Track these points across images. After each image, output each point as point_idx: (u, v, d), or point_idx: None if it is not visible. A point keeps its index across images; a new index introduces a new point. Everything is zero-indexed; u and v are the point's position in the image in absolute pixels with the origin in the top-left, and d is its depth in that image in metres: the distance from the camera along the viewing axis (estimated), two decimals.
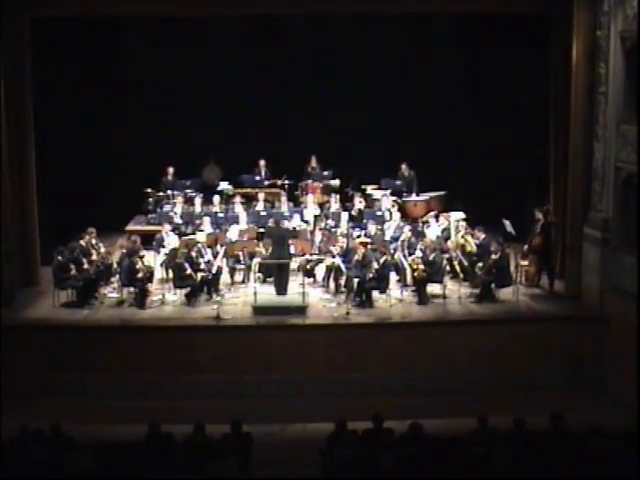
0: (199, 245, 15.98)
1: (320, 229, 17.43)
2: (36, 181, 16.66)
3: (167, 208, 18.64)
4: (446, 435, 10.52)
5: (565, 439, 9.87)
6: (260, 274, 16.46)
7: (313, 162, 19.97)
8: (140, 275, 15.40)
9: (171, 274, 15.99)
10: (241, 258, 16.45)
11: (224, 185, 19.66)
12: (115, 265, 16.08)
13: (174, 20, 18.95)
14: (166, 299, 15.78)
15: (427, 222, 17.68)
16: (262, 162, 19.77)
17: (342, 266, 15.64)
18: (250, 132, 20.31)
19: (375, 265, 15.18)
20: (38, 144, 16.77)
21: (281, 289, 15.67)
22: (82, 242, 16.13)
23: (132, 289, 15.69)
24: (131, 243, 16.08)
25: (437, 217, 17.71)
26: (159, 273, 16.58)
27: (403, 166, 19.52)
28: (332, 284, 16.13)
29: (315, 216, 18.34)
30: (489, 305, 15.57)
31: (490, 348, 14.72)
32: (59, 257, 15.36)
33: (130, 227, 18.64)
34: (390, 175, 19.52)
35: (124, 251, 15.93)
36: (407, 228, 16.96)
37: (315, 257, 16.39)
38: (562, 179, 16.49)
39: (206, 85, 20.34)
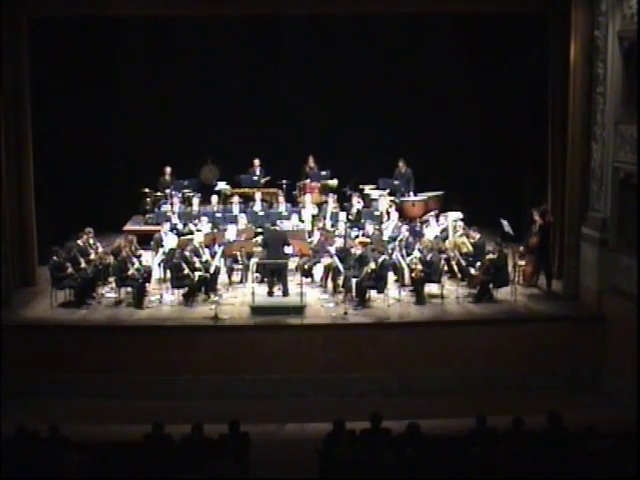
0: (194, 244, 15.97)
1: (318, 229, 17.43)
2: (34, 181, 16.65)
3: (165, 208, 18.64)
4: (444, 435, 10.54)
5: (563, 439, 9.87)
6: (258, 274, 16.47)
7: (311, 162, 19.96)
8: (130, 273, 15.37)
9: (169, 274, 15.97)
10: (239, 258, 16.45)
11: (222, 185, 19.67)
12: (112, 265, 16.06)
13: (174, 20, 18.95)
14: (164, 299, 15.78)
15: (427, 222, 17.70)
16: (257, 161, 19.77)
17: (340, 266, 15.64)
18: (248, 132, 20.30)
19: (372, 265, 15.18)
20: (36, 144, 16.76)
21: (273, 291, 15.69)
22: (79, 242, 16.13)
23: (130, 289, 15.68)
24: (127, 242, 16.09)
25: (437, 217, 17.72)
26: (157, 273, 16.57)
27: (400, 163, 19.53)
28: (330, 284, 16.13)
29: (313, 216, 18.35)
30: (487, 305, 15.58)
31: (488, 348, 14.73)
32: (55, 257, 15.36)
33: (128, 227, 18.66)
34: (388, 175, 19.52)
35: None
36: (405, 228, 16.96)
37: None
38: (560, 179, 16.51)
39: (204, 85, 20.34)
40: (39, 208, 16.81)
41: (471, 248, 16.25)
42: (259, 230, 17.48)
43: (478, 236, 16.36)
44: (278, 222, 17.40)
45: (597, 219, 15.29)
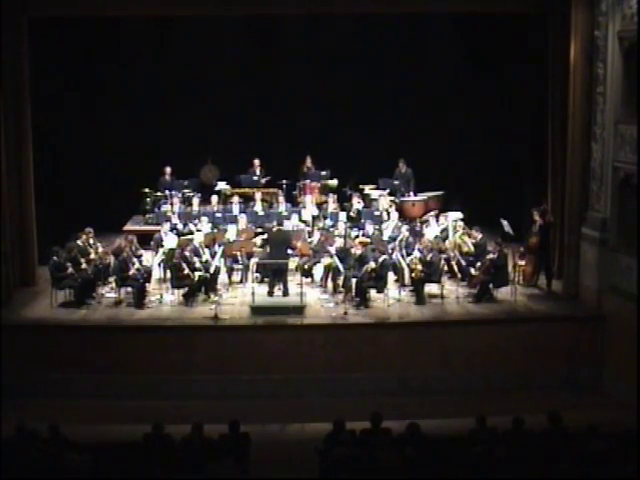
0: (195, 244, 15.97)
1: (318, 229, 17.42)
2: (34, 181, 16.65)
3: (165, 208, 18.64)
4: (444, 435, 10.53)
5: (563, 439, 9.88)
6: (258, 274, 16.47)
7: (308, 162, 19.95)
8: (131, 273, 15.37)
9: (169, 274, 15.97)
10: (239, 258, 16.45)
11: (222, 185, 19.67)
12: (112, 265, 16.08)
13: (174, 20, 18.95)
14: (164, 299, 15.78)
15: (427, 221, 17.71)
16: (257, 161, 19.77)
17: (340, 266, 15.64)
18: (248, 132, 20.31)
19: (372, 265, 15.19)
20: (36, 144, 16.76)
21: (273, 291, 15.69)
22: (79, 242, 16.13)
23: (130, 289, 15.68)
24: (127, 242, 16.12)
25: (437, 217, 17.72)
26: (157, 273, 16.57)
27: (400, 163, 19.54)
28: (330, 284, 16.13)
29: (313, 216, 18.34)
30: (487, 305, 15.58)
31: (488, 348, 14.73)
32: (55, 257, 15.36)
33: (128, 227, 18.66)
34: (388, 175, 19.52)
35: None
36: (405, 228, 16.96)
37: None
38: (560, 179, 16.52)
39: (205, 85, 20.34)
40: (39, 208, 16.81)
41: (472, 248, 16.26)
42: (259, 230, 17.47)
43: (480, 236, 16.36)
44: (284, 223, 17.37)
45: (597, 219, 15.29)
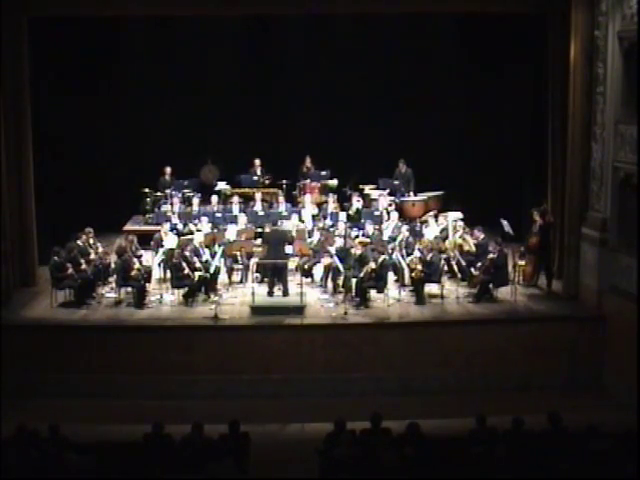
0: (195, 244, 15.98)
1: (318, 229, 17.43)
2: (34, 181, 16.65)
3: (165, 208, 18.64)
4: (444, 435, 10.54)
5: (563, 439, 9.88)
6: (258, 274, 16.47)
7: (307, 162, 19.95)
8: (133, 274, 15.38)
9: (169, 274, 15.97)
10: (239, 258, 16.45)
11: (222, 185, 19.68)
12: (113, 265, 16.08)
13: (174, 20, 18.95)
14: (164, 299, 15.78)
15: (426, 222, 17.71)
16: (257, 161, 19.78)
17: (340, 266, 15.63)
18: (248, 132, 20.30)
19: (372, 265, 15.19)
20: (36, 144, 16.76)
21: (273, 291, 15.68)
22: (79, 242, 16.13)
23: (130, 289, 15.68)
24: (127, 242, 16.13)
25: (436, 217, 17.72)
26: (157, 273, 16.57)
27: (400, 163, 19.54)
28: (330, 284, 16.13)
29: (313, 216, 18.34)
30: (487, 305, 15.58)
31: (488, 348, 14.73)
32: (55, 257, 15.37)
33: (128, 227, 18.66)
34: (388, 175, 19.53)
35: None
36: (405, 228, 16.96)
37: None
38: (560, 179, 16.52)
39: (204, 85, 20.34)
40: (39, 208, 16.81)
41: (473, 248, 16.25)
42: (259, 230, 17.47)
43: (482, 236, 16.33)
44: (280, 222, 17.35)
45: (597, 219, 15.28)
